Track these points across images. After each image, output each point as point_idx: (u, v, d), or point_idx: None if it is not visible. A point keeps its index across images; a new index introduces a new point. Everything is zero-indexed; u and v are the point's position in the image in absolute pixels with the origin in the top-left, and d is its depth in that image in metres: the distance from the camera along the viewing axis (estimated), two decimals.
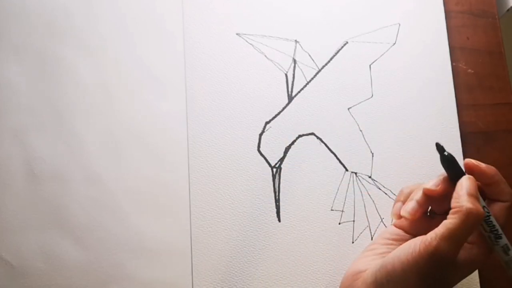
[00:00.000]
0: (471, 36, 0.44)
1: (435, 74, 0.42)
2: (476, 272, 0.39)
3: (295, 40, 0.42)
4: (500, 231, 0.31)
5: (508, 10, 0.48)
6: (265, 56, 0.41)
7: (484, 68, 0.44)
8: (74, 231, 0.36)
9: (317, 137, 0.40)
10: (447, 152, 0.32)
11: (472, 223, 0.29)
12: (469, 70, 0.43)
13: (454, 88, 0.42)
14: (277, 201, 0.38)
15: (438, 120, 0.41)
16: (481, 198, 0.31)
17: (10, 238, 0.36)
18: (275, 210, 0.38)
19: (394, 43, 0.43)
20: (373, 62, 0.42)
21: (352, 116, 0.41)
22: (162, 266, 0.36)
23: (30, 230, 0.36)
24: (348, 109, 0.41)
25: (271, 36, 0.41)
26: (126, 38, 0.40)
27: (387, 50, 0.42)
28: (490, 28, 0.45)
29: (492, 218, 0.31)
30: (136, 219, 0.37)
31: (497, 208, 0.32)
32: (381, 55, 0.42)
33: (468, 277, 0.38)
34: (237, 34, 0.41)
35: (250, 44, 0.41)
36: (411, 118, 0.41)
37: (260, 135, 0.39)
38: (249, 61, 0.41)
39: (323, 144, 0.40)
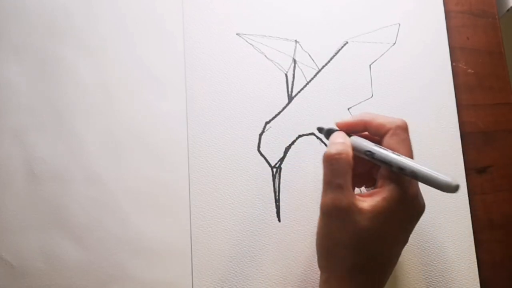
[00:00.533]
0: (471, 36, 0.44)
1: (435, 74, 0.42)
2: (476, 272, 0.39)
3: (295, 40, 0.42)
4: (394, 160, 0.30)
5: (508, 10, 0.48)
6: (265, 56, 0.41)
7: (484, 68, 0.44)
8: (74, 231, 0.36)
9: (317, 137, 0.40)
10: (321, 127, 0.35)
11: (329, 164, 0.30)
12: (469, 70, 0.43)
13: (454, 88, 0.42)
14: (277, 201, 0.38)
15: (438, 120, 0.41)
16: (361, 143, 0.32)
17: (10, 238, 0.36)
18: (275, 210, 0.38)
19: (394, 43, 0.43)
20: (373, 62, 0.42)
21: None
22: (162, 266, 0.36)
23: (30, 230, 0.36)
24: (348, 109, 0.41)
25: (271, 36, 0.41)
26: (126, 38, 0.40)
27: (387, 50, 0.42)
28: (490, 28, 0.45)
29: (379, 153, 0.31)
30: (136, 219, 0.37)
31: (388, 140, 0.32)
32: (381, 55, 0.42)
33: (468, 277, 0.38)
34: (237, 34, 0.41)
35: (250, 44, 0.41)
36: (411, 118, 0.41)
37: (260, 135, 0.39)
38: (249, 61, 0.41)
39: (323, 144, 0.40)
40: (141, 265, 0.36)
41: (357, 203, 0.29)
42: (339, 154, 0.30)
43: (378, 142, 0.32)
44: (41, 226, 0.36)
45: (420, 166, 0.29)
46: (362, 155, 0.32)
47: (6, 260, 0.36)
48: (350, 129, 0.34)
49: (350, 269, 0.30)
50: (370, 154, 0.31)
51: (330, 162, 0.31)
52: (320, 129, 0.36)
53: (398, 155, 0.30)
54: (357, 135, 0.33)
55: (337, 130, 0.34)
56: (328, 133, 0.34)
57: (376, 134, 0.33)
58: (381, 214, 0.29)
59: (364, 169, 0.34)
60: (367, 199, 0.30)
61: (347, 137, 0.33)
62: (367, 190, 0.36)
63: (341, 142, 0.31)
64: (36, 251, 0.36)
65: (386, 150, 0.31)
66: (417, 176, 0.29)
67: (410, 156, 0.31)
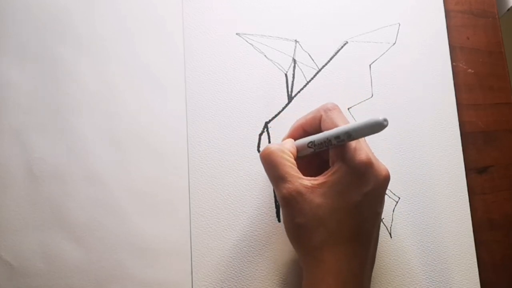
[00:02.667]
0: (471, 36, 0.44)
1: (435, 74, 0.42)
2: (476, 272, 0.39)
3: (295, 40, 0.42)
4: (328, 134, 0.31)
5: (508, 10, 0.48)
6: (265, 56, 0.41)
7: (484, 68, 0.44)
8: (74, 231, 0.36)
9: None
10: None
11: (263, 163, 0.33)
12: (469, 70, 0.43)
13: (454, 88, 0.42)
14: (277, 201, 0.38)
15: (438, 120, 0.41)
16: (303, 140, 0.34)
17: (10, 238, 0.36)
18: (275, 210, 0.38)
19: (394, 43, 0.43)
20: (373, 62, 0.42)
21: (352, 116, 0.41)
22: (162, 266, 0.36)
23: (30, 230, 0.36)
24: (348, 109, 0.41)
25: (271, 36, 0.41)
26: (126, 38, 0.40)
27: (387, 50, 0.42)
28: (490, 28, 0.45)
29: (316, 138, 0.32)
30: (136, 219, 0.37)
31: (324, 126, 0.33)
32: (381, 55, 0.42)
33: (468, 277, 0.38)
34: (237, 34, 0.41)
35: (250, 44, 0.41)
36: (411, 118, 0.41)
37: (260, 135, 0.39)
38: (249, 61, 0.41)
39: None
40: (141, 265, 0.36)
41: (306, 183, 0.30)
42: (268, 148, 0.32)
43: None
44: (41, 226, 0.36)
45: (349, 125, 0.30)
46: (310, 151, 0.33)
47: (6, 260, 0.36)
48: (294, 138, 0.35)
49: (316, 249, 0.30)
50: (312, 143, 0.32)
51: (264, 159, 0.33)
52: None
53: (331, 129, 0.31)
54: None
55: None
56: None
57: (314, 128, 0.34)
58: (332, 188, 0.30)
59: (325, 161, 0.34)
60: (319, 178, 0.31)
61: (291, 139, 0.35)
62: None
63: (272, 143, 0.34)
64: (36, 251, 0.36)
65: (321, 133, 0.32)
66: (351, 134, 0.30)
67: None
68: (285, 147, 0.33)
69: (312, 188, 0.30)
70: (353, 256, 0.30)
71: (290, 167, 0.31)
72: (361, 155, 0.30)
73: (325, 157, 0.33)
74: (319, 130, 0.33)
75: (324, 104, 0.33)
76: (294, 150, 0.33)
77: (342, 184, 0.30)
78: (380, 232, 0.39)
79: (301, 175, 0.31)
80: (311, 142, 0.32)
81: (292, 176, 0.31)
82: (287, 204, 0.31)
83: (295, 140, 0.35)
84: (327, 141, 0.31)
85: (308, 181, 0.31)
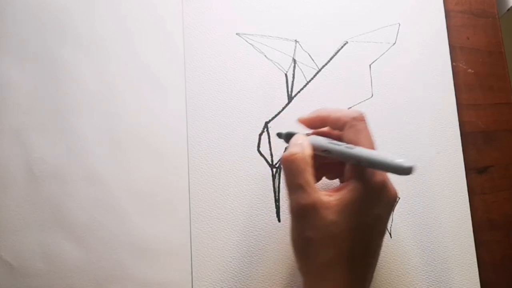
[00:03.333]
0: (471, 36, 0.44)
1: (435, 74, 0.42)
2: (476, 272, 0.39)
3: (295, 40, 0.42)
4: (348, 153, 0.30)
5: (508, 10, 0.48)
6: (265, 56, 0.41)
7: (484, 68, 0.44)
8: (74, 231, 0.36)
9: None
10: (280, 133, 0.36)
11: (286, 167, 0.31)
12: (469, 70, 0.43)
13: (454, 88, 0.42)
14: (277, 201, 0.38)
15: (438, 120, 0.41)
16: (318, 142, 0.32)
17: (10, 238, 0.36)
18: (275, 210, 0.38)
19: (394, 43, 0.43)
20: (373, 62, 0.42)
21: None
22: (162, 266, 0.36)
23: (30, 230, 0.36)
24: (348, 109, 0.41)
25: (271, 36, 0.41)
26: (126, 38, 0.40)
27: (387, 50, 0.42)
28: (490, 28, 0.45)
29: (334, 150, 0.31)
30: (136, 219, 0.37)
31: (346, 133, 0.32)
32: (381, 55, 0.42)
33: (468, 277, 0.38)
34: (237, 34, 0.41)
35: (250, 44, 0.41)
36: (411, 118, 0.41)
37: (260, 135, 0.39)
38: (249, 61, 0.41)
39: None
40: (141, 265, 0.36)
41: (322, 199, 0.30)
42: (292, 155, 0.31)
43: (339, 136, 0.33)
44: (41, 226, 0.36)
45: (373, 154, 0.29)
46: (322, 154, 0.32)
47: (6, 260, 0.36)
48: (310, 124, 0.34)
49: (324, 266, 0.30)
50: (327, 152, 0.31)
51: (286, 164, 0.31)
52: (279, 135, 0.36)
53: (351, 148, 0.30)
54: (318, 132, 0.34)
55: (295, 133, 0.34)
56: (287, 137, 0.35)
57: (334, 128, 0.33)
58: (348, 206, 0.29)
59: (334, 162, 0.34)
60: (334, 194, 0.30)
61: (305, 137, 0.33)
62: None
63: (296, 144, 0.32)
64: (36, 251, 0.36)
65: (341, 145, 0.31)
66: (373, 165, 0.29)
67: (370, 145, 0.31)
68: (308, 153, 0.31)
69: (329, 203, 0.29)
70: (359, 275, 0.30)
71: (311, 178, 0.30)
72: (378, 176, 0.30)
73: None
74: (338, 132, 0.33)
75: (354, 111, 0.32)
76: (312, 153, 0.32)
77: (357, 203, 0.30)
78: None
79: (318, 188, 0.30)
80: (326, 151, 0.31)
81: (312, 188, 0.30)
82: (300, 216, 0.30)
83: (311, 127, 0.34)
84: (345, 158, 0.30)
85: (324, 196, 0.30)
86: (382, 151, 0.29)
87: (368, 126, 0.32)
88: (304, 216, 0.30)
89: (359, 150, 0.30)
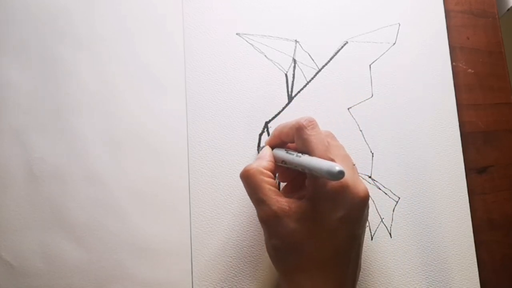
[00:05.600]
0: (471, 36, 0.44)
1: (435, 74, 0.42)
2: (476, 272, 0.39)
3: (295, 40, 0.42)
4: (290, 160, 0.32)
5: (508, 10, 0.48)
6: (265, 56, 0.41)
7: (484, 68, 0.44)
8: (74, 231, 0.36)
9: None
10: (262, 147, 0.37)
11: (244, 182, 0.32)
12: (469, 70, 0.43)
13: (454, 88, 0.42)
14: None
15: (438, 120, 0.41)
16: (277, 154, 0.34)
17: (10, 238, 0.36)
18: None
19: (394, 43, 0.43)
20: (373, 62, 0.42)
21: (352, 116, 0.41)
22: (162, 266, 0.36)
23: (30, 230, 0.36)
24: (348, 109, 0.41)
25: (271, 36, 0.41)
26: (126, 38, 0.40)
27: (387, 50, 0.42)
28: (490, 28, 0.45)
29: (287, 160, 0.32)
30: (136, 219, 0.37)
31: (297, 144, 0.33)
32: (381, 55, 0.42)
33: (468, 277, 0.38)
34: (237, 34, 0.41)
35: (250, 44, 0.41)
36: (411, 118, 0.41)
37: (260, 135, 0.39)
38: (249, 61, 0.41)
39: None
40: (141, 265, 0.36)
41: (283, 208, 0.30)
42: (247, 170, 0.32)
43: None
44: (41, 226, 0.36)
45: (307, 159, 0.30)
46: (282, 165, 0.33)
47: (6, 260, 0.36)
48: (273, 145, 0.36)
49: (293, 272, 0.30)
50: (284, 162, 0.33)
51: (243, 179, 0.32)
52: (258, 149, 0.38)
53: (299, 156, 0.31)
54: (287, 146, 0.35)
55: (265, 146, 0.36)
56: (259, 150, 0.37)
57: (292, 141, 0.34)
58: (306, 214, 0.30)
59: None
60: (296, 201, 0.30)
61: (268, 149, 0.35)
62: None
63: (257, 158, 0.34)
64: (36, 251, 0.36)
65: (293, 154, 0.32)
66: (309, 170, 0.29)
67: (319, 150, 0.31)
68: (263, 165, 0.32)
69: (289, 211, 0.30)
70: (330, 279, 0.30)
71: (269, 189, 0.31)
72: (333, 181, 0.30)
73: None
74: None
75: (300, 119, 0.33)
76: (272, 166, 0.33)
77: (315, 210, 0.30)
78: (380, 232, 0.39)
79: (280, 196, 0.31)
80: (283, 161, 0.33)
81: (270, 199, 0.31)
82: (266, 225, 0.31)
83: (274, 147, 0.35)
84: (296, 167, 0.31)
85: (285, 203, 0.30)
86: (318, 158, 0.30)
87: (314, 131, 0.32)
88: (268, 225, 0.31)
89: (304, 159, 0.30)
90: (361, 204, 0.30)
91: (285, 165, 0.33)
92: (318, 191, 0.30)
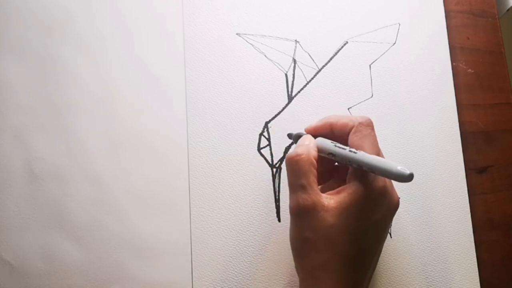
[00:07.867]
0: (471, 36, 0.44)
1: (435, 74, 0.42)
2: (476, 272, 0.39)
3: (295, 40, 0.42)
4: (351, 157, 0.30)
5: (508, 10, 0.48)
6: (265, 56, 0.41)
7: (484, 68, 0.44)
8: (74, 231, 0.36)
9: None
10: (290, 133, 0.37)
11: (290, 167, 0.31)
12: (469, 70, 0.43)
13: (454, 88, 0.42)
14: (277, 201, 0.38)
15: (438, 120, 0.41)
16: (325, 145, 0.33)
17: (10, 238, 0.36)
18: (275, 210, 0.38)
19: (394, 43, 0.43)
20: (373, 62, 0.42)
21: None
22: (162, 266, 0.36)
23: (30, 230, 0.36)
24: (348, 109, 0.41)
25: (271, 36, 0.41)
26: (126, 38, 0.40)
27: (387, 50, 0.42)
28: (490, 28, 0.45)
29: (339, 153, 0.31)
30: (136, 219, 0.37)
31: (351, 138, 0.32)
32: (381, 55, 0.42)
33: (468, 277, 0.39)
34: (237, 34, 0.41)
35: (250, 44, 0.41)
36: (411, 118, 0.41)
37: (260, 135, 0.40)
38: (249, 61, 0.41)
39: None
40: (141, 265, 0.36)
41: (323, 201, 0.30)
42: (298, 155, 0.31)
43: (345, 141, 0.33)
44: (41, 226, 0.36)
45: (375, 159, 0.29)
46: (327, 156, 0.32)
47: (6, 260, 0.36)
48: (317, 133, 0.35)
49: (318, 268, 0.30)
50: (332, 155, 0.32)
51: (290, 164, 0.31)
52: (289, 135, 0.37)
53: (355, 152, 0.30)
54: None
55: (305, 134, 0.35)
56: (296, 138, 0.35)
57: (341, 133, 0.34)
58: (347, 210, 0.29)
59: (343, 167, 0.34)
60: (334, 196, 0.30)
61: (312, 139, 0.33)
62: None
63: (302, 145, 0.32)
64: (36, 251, 0.36)
65: (345, 149, 0.31)
66: (373, 170, 0.29)
67: (374, 150, 0.31)
68: (312, 155, 0.32)
69: (328, 206, 0.30)
70: (353, 278, 0.30)
71: (313, 179, 0.31)
72: (379, 181, 0.30)
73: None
74: (345, 137, 0.33)
75: (361, 116, 0.33)
76: (317, 155, 0.32)
77: (356, 207, 0.30)
78: None
79: (319, 190, 0.31)
80: (331, 154, 0.32)
81: (313, 189, 0.30)
82: (300, 216, 0.30)
83: (318, 135, 0.34)
84: (348, 162, 0.31)
85: (325, 198, 0.30)
86: (384, 158, 0.30)
87: (373, 132, 0.33)
88: (303, 216, 0.30)
89: (362, 155, 0.30)
90: (394, 210, 0.31)
91: (332, 158, 0.32)
92: (361, 189, 0.30)
